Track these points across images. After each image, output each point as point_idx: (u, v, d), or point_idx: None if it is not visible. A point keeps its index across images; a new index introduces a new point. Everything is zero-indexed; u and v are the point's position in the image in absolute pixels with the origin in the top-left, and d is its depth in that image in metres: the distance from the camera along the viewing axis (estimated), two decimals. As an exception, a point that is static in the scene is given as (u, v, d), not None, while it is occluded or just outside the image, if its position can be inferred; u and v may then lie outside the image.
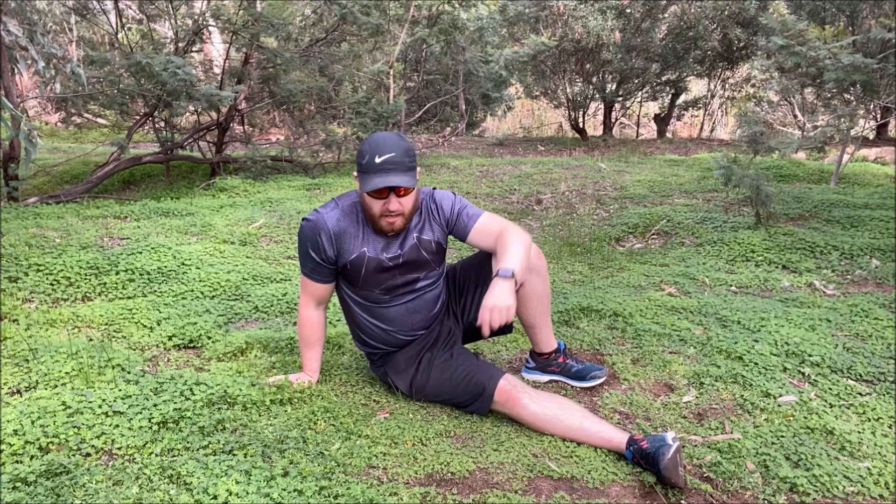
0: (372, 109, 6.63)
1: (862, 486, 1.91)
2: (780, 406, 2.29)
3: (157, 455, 1.86)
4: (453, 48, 8.59)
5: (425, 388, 2.25)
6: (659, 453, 1.86)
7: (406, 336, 2.31)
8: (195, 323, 2.85)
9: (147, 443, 1.90)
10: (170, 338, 2.74)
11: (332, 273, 2.25)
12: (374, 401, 2.29)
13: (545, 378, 2.50)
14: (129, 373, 2.28)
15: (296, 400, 2.21)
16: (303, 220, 2.23)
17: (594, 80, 9.58)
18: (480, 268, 2.35)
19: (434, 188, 2.33)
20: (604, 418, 2.20)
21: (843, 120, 4.90)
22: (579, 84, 9.80)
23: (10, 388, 2.21)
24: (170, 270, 3.38)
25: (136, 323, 2.85)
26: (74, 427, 1.92)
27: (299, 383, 2.28)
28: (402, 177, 2.06)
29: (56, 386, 2.20)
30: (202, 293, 3.24)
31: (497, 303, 1.98)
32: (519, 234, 2.17)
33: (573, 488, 1.86)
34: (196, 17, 5.86)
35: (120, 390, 2.11)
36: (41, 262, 3.27)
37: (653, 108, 11.65)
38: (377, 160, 2.05)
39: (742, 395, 2.35)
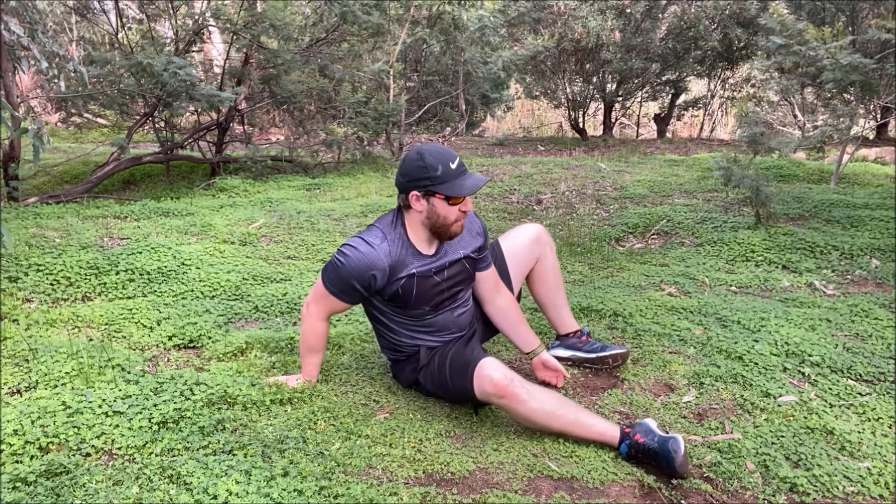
0: (372, 109, 6.62)
1: (862, 486, 1.91)
2: (780, 406, 2.29)
3: (157, 455, 1.86)
4: (453, 48, 8.58)
5: (428, 374, 2.24)
6: (670, 452, 1.91)
7: (450, 336, 2.32)
8: (195, 323, 2.85)
9: (147, 443, 1.90)
10: (170, 338, 2.74)
11: (366, 298, 2.25)
12: (374, 401, 2.29)
13: (567, 353, 2.60)
14: (129, 373, 2.28)
15: (296, 400, 2.21)
16: (348, 247, 2.11)
17: (594, 80, 9.57)
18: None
19: None
20: (596, 415, 2.21)
21: (842, 120, 4.90)
22: (579, 84, 9.79)
23: (10, 388, 2.21)
24: (170, 270, 3.38)
25: (136, 323, 2.85)
26: (74, 427, 1.92)
27: (299, 383, 2.28)
28: (478, 174, 2.16)
29: (56, 386, 2.20)
30: (202, 293, 3.24)
31: (559, 367, 2.38)
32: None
33: (573, 488, 1.86)
34: (196, 17, 5.85)
35: (120, 390, 2.11)
36: (41, 262, 3.27)
37: (653, 108, 11.63)
38: (453, 166, 2.08)
39: (742, 395, 2.35)
